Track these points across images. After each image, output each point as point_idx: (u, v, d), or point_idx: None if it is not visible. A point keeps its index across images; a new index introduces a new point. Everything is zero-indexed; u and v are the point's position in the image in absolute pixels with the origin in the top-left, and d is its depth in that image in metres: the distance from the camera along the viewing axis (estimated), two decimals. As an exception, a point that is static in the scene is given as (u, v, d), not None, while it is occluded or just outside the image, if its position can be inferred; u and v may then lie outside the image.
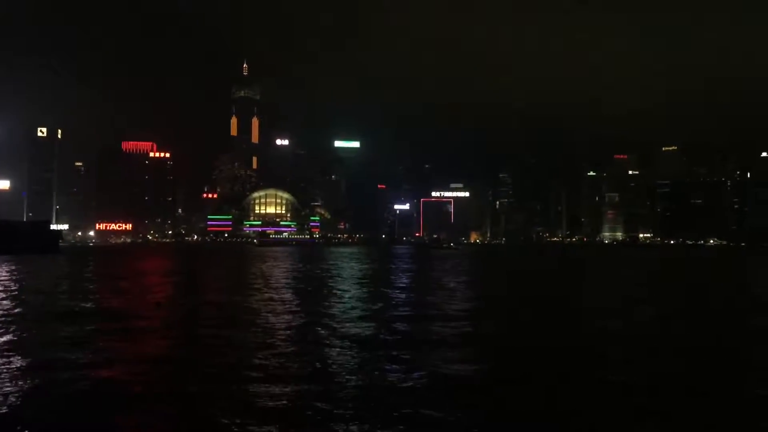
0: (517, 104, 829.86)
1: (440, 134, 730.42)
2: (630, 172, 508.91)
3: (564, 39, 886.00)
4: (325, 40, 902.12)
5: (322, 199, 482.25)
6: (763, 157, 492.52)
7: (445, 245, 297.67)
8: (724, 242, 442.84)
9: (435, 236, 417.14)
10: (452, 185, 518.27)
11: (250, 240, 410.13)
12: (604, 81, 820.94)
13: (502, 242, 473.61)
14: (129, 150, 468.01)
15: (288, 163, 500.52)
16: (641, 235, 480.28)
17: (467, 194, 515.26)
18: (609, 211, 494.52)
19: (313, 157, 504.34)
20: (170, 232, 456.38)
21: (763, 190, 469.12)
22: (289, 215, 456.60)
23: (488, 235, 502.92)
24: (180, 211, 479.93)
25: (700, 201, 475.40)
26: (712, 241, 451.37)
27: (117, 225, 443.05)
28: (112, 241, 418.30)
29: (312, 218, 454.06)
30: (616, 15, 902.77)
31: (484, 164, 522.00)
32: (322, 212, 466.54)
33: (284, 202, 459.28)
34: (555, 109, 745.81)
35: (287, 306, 40.89)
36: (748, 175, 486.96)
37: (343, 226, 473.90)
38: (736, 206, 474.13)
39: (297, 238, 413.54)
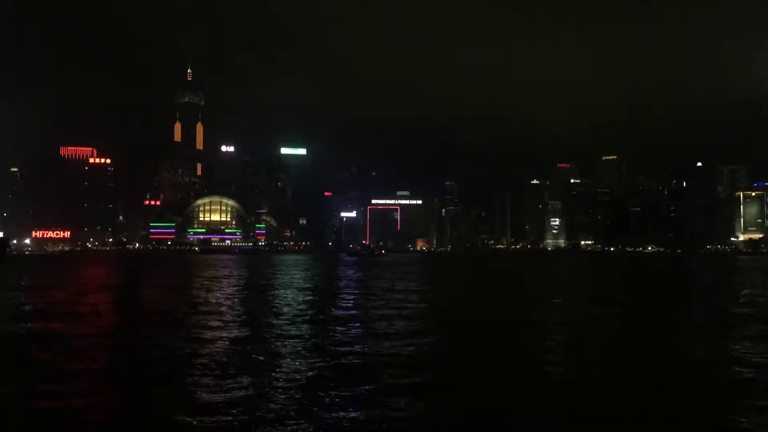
0: (463, 112, 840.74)
1: (388, 142, 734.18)
2: (572, 181, 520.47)
3: (512, 51, 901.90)
4: (272, 45, 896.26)
5: (268, 207, 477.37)
6: (699, 166, 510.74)
7: (376, 252, 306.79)
8: (662, 249, 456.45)
9: (365, 242, 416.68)
10: (399, 193, 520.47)
11: (193, 248, 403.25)
12: (550, 90, 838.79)
13: (448, 249, 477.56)
14: (68, 156, 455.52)
15: (233, 170, 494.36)
16: (583, 242, 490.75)
17: (414, 202, 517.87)
18: (552, 219, 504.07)
19: (259, 164, 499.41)
20: (111, 239, 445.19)
21: (697, 198, 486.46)
22: (234, 223, 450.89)
23: (434, 242, 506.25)
24: (121, 218, 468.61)
25: (638, 209, 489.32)
26: (650, 248, 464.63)
27: (54, 233, 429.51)
28: (50, 249, 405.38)
29: (258, 226, 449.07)
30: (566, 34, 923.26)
31: (431, 172, 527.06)
32: (268, 219, 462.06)
33: (229, 209, 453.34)
34: (500, 121, 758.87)
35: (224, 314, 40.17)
36: (684, 184, 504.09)
37: (289, 234, 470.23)
38: (672, 214, 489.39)
39: (240, 246, 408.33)
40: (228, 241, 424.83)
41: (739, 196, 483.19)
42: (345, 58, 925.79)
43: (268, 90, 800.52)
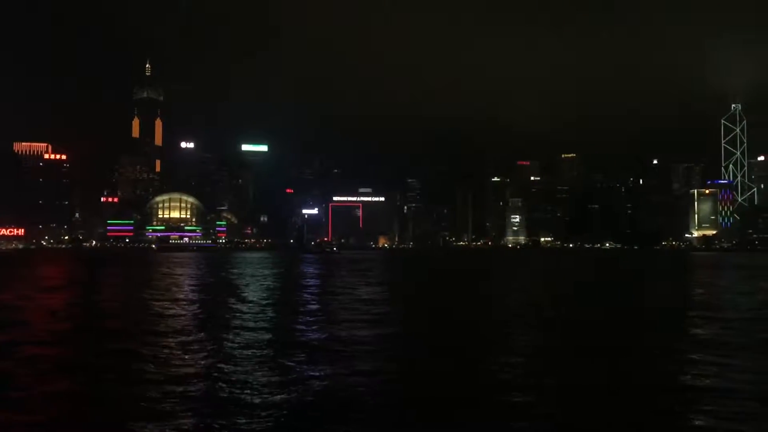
0: (425, 111, 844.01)
1: (350, 139, 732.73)
2: (532, 178, 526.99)
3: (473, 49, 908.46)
4: (234, 41, 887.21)
5: (229, 204, 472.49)
6: (655, 164, 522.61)
7: (327, 249, 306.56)
8: (619, 245, 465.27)
9: (318, 240, 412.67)
10: (361, 190, 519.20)
11: (151, 246, 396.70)
12: (512, 89, 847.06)
13: (410, 246, 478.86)
14: (21, 152, 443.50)
15: (193, 167, 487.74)
16: (543, 239, 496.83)
17: (376, 199, 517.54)
18: (513, 216, 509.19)
19: (219, 161, 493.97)
20: (66, 237, 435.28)
21: (653, 196, 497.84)
22: (194, 220, 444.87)
23: (396, 239, 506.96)
24: (77, 215, 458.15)
25: (597, 206, 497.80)
26: (608, 244, 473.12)
27: (8, 230, 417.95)
28: (2, 247, 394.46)
29: (218, 223, 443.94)
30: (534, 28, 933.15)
31: (393, 170, 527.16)
32: (229, 217, 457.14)
33: (189, 206, 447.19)
34: (462, 120, 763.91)
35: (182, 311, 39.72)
36: (641, 182, 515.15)
37: (250, 231, 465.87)
38: (629, 211, 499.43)
39: (199, 243, 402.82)
40: (186, 239, 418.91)
41: (694, 193, 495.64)
42: (314, 56, 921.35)
43: (227, 87, 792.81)
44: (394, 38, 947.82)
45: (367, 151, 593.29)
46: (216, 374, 22.26)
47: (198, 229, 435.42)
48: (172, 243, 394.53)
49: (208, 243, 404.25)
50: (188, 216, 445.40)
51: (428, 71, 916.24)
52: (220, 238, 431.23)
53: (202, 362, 24.70)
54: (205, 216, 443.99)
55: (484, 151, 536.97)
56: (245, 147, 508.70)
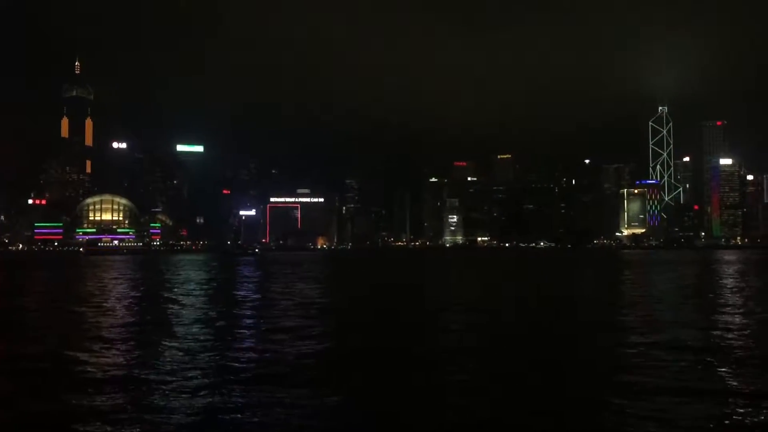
0: (362, 111, 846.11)
1: (287, 138, 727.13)
2: (469, 179, 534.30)
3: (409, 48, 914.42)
4: (166, 41, 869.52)
5: (163, 205, 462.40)
6: (587, 164, 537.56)
7: (250, 251, 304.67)
8: (553, 244, 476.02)
9: (239, 242, 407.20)
10: (299, 190, 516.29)
11: (79, 249, 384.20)
12: (447, 90, 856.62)
13: (348, 247, 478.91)
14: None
15: (126, 168, 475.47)
16: (480, 239, 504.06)
17: (314, 200, 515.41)
18: (450, 216, 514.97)
19: (153, 162, 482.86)
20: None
21: (585, 196, 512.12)
22: (127, 222, 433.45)
23: (335, 240, 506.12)
24: (2, 218, 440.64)
25: (531, 206, 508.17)
26: (542, 243, 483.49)
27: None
28: None
29: (152, 225, 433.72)
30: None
31: (331, 170, 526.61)
32: (164, 218, 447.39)
33: (122, 208, 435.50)
34: (399, 121, 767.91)
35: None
36: (573, 182, 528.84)
37: (185, 233, 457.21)
38: (563, 210, 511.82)
39: (130, 246, 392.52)
40: (116, 242, 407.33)
41: (624, 193, 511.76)
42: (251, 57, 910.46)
43: (163, 87, 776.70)
44: (319, 37, 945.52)
45: (306, 152, 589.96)
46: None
47: (131, 231, 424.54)
48: (101, 246, 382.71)
49: (138, 245, 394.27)
50: (120, 218, 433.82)
51: (365, 72, 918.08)
52: (154, 240, 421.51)
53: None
54: (138, 218, 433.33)
55: (421, 153, 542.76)
56: (180, 147, 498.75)
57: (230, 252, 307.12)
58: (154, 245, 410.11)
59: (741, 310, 42.51)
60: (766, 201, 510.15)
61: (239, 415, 17.66)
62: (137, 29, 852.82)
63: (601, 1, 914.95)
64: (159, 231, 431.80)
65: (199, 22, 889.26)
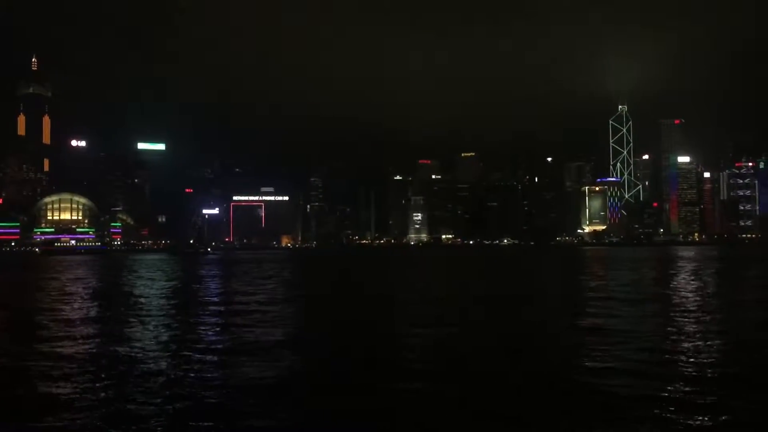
0: (327, 110, 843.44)
1: (252, 137, 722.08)
2: (433, 177, 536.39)
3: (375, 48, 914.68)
4: (127, 34, 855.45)
5: (124, 204, 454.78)
6: (549, 161, 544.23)
7: (201, 250, 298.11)
8: (516, 241, 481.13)
9: (191, 242, 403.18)
10: (263, 189, 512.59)
11: (35, 249, 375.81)
12: (412, 89, 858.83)
13: (313, 246, 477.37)
14: None
15: (85, 166, 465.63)
16: (444, 236, 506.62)
17: (279, 198, 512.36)
18: (415, 214, 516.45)
19: (114, 160, 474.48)
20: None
21: (548, 193, 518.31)
22: (86, 221, 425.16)
23: (299, 239, 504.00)
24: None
25: (495, 204, 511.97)
26: (506, 241, 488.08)
27: None
28: None
29: (113, 224, 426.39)
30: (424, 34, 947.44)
31: (296, 169, 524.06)
32: (124, 218, 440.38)
33: (81, 207, 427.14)
34: (364, 119, 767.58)
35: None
36: (536, 180, 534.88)
37: (147, 233, 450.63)
38: (525, 208, 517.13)
39: (88, 246, 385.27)
40: (73, 242, 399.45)
41: (585, 190, 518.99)
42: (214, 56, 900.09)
43: (124, 85, 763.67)
44: (295, 38, 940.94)
45: (270, 150, 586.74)
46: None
47: (91, 231, 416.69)
48: (58, 246, 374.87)
49: (98, 245, 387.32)
50: (80, 217, 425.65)
51: (330, 71, 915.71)
52: (115, 240, 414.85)
53: None
54: (98, 217, 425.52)
55: (386, 151, 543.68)
56: (141, 146, 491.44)
57: (182, 252, 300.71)
58: (114, 245, 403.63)
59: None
60: (722, 198, 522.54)
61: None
62: (98, 26, 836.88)
63: (563, 3, 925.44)
64: (120, 231, 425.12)
65: (158, 20, 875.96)
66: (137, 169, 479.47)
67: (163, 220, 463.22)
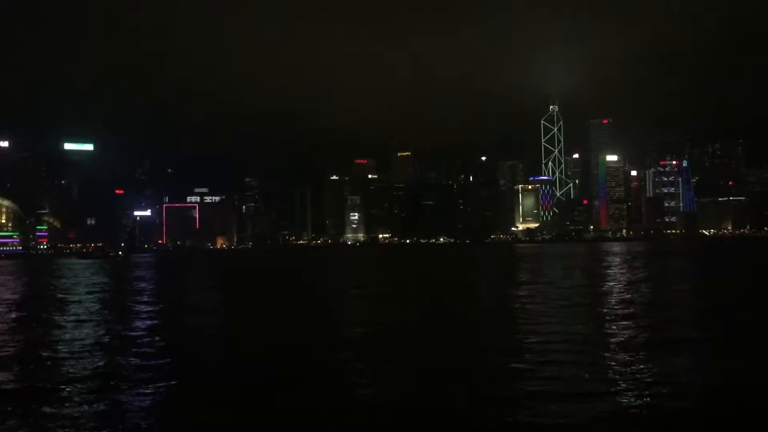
0: (261, 109, 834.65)
1: (184, 137, 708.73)
2: (370, 176, 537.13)
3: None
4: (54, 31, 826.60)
5: (50, 206, 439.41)
6: (483, 161, 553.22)
7: (112, 254, 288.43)
8: (452, 239, 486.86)
9: (99, 244, 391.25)
10: (197, 190, 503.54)
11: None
12: (346, 88, 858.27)
13: (249, 246, 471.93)
14: None
15: (8, 167, 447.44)
16: (381, 236, 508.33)
17: (213, 199, 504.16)
18: (351, 214, 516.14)
19: (39, 161, 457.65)
20: None
21: (482, 192, 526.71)
22: (10, 225, 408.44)
23: (235, 240, 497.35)
24: None
25: (431, 202, 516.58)
26: (442, 239, 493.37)
27: None
28: None
29: (39, 228, 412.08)
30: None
31: (230, 169, 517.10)
32: (51, 221, 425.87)
33: (4, 210, 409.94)
34: (299, 118, 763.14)
35: None
36: (471, 178, 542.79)
37: (75, 235, 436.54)
38: (461, 206, 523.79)
39: (8, 250, 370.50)
40: None
41: (518, 189, 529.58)
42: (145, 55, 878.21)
43: (49, 84, 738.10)
44: (211, 36, 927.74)
45: (204, 150, 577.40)
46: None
47: (15, 234, 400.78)
48: None
49: (20, 250, 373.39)
50: (3, 221, 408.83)
51: (264, 70, 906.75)
52: (41, 243, 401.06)
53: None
54: (23, 220, 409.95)
55: (321, 150, 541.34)
56: (68, 146, 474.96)
57: (87, 255, 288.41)
58: (40, 248, 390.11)
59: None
60: (648, 195, 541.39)
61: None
62: (22, 25, 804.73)
63: (499, 5, 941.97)
64: (46, 234, 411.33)
65: (88, 17, 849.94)
66: (64, 170, 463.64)
67: (93, 222, 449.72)
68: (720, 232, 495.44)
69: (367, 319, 39.40)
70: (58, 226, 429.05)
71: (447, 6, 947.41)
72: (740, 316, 38.52)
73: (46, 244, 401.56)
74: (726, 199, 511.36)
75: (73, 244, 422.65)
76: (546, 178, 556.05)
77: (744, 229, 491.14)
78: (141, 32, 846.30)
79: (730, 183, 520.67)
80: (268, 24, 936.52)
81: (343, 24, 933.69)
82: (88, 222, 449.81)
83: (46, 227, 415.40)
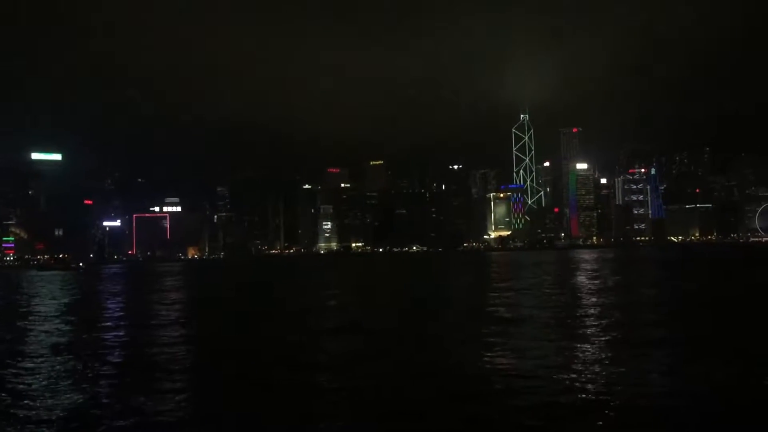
0: (233, 117, 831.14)
1: (155, 145, 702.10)
2: (342, 185, 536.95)
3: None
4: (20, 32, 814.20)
5: (17, 218, 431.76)
6: (455, 169, 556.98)
7: (73, 266, 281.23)
8: (425, 248, 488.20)
9: (62, 256, 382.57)
10: (167, 200, 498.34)
11: None
12: (320, 97, 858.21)
13: (221, 256, 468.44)
14: None
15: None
16: (354, 245, 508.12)
17: (183, 209, 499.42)
18: (324, 223, 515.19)
19: (4, 171, 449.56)
20: None
21: (456, 199, 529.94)
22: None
23: (206, 249, 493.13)
24: None
25: (404, 211, 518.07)
26: (415, 248, 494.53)
27: None
28: None
29: (5, 239, 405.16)
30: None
31: (201, 178, 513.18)
32: (18, 232, 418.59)
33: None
34: (271, 127, 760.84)
35: None
36: (443, 187, 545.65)
37: (43, 247, 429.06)
38: (434, 215, 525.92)
39: None
40: None
41: (490, 197, 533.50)
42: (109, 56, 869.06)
43: (12, 91, 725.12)
44: (200, 40, 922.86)
45: (175, 159, 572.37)
46: None
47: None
48: None
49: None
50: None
51: (236, 74, 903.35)
52: (8, 255, 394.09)
53: None
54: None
55: (293, 159, 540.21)
56: (36, 156, 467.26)
57: (48, 267, 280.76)
58: (8, 260, 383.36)
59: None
60: (618, 203, 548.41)
61: None
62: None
63: (471, 12, 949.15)
64: (13, 245, 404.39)
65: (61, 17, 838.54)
66: (31, 180, 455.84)
67: (61, 233, 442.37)
68: (688, 239, 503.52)
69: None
70: (26, 237, 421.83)
71: (421, 14, 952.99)
72: (701, 317, 39.30)
73: (13, 256, 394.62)
74: (693, 206, 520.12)
75: (41, 255, 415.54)
76: (517, 186, 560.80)
77: (711, 236, 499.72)
78: (115, 44, 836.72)
79: (697, 191, 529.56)
80: (241, 35, 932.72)
81: (316, 36, 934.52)
82: (56, 233, 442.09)
83: (13, 239, 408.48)
